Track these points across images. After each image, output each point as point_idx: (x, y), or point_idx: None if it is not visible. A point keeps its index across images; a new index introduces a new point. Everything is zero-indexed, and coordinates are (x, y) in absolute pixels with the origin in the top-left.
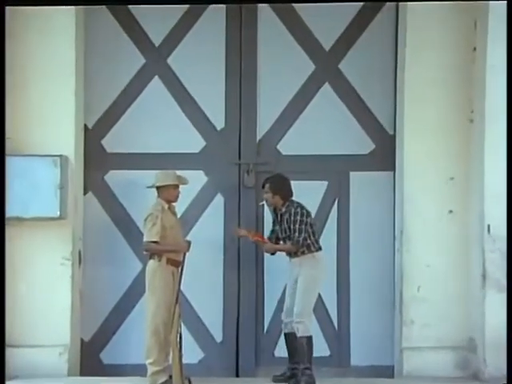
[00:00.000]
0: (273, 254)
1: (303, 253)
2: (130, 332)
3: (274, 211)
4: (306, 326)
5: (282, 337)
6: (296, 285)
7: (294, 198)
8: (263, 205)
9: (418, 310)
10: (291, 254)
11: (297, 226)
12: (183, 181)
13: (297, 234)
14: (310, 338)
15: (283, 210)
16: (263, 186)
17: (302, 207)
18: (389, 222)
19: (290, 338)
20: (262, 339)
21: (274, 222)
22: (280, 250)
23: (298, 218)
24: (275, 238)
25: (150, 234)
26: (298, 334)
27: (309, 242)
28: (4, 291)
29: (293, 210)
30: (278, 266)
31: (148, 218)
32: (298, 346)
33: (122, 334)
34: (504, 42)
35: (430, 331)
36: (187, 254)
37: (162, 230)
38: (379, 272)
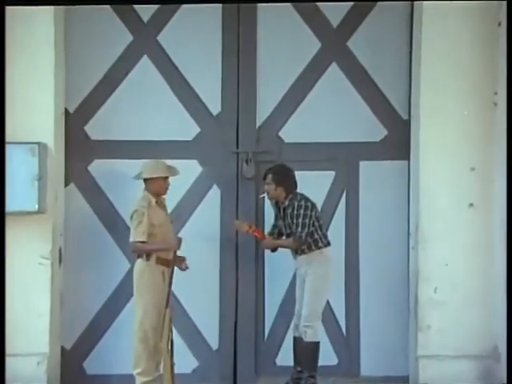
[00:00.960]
0: (273, 251)
1: (310, 249)
2: (117, 339)
3: (276, 205)
4: (315, 330)
5: (285, 344)
6: (304, 285)
7: (297, 191)
8: (264, 197)
9: (435, 313)
10: (297, 252)
11: (300, 220)
12: (173, 172)
13: (299, 228)
14: (317, 344)
15: (286, 203)
16: (265, 177)
17: (307, 199)
18: (403, 217)
19: (297, 342)
20: (263, 346)
21: (276, 217)
22: (281, 246)
23: (302, 211)
24: (277, 233)
25: (135, 234)
26: (306, 339)
27: (316, 237)
28: (4, 293)
29: (296, 204)
30: (280, 265)
31: (133, 215)
32: (304, 352)
33: (108, 341)
34: None
35: (449, 337)
36: (178, 251)
37: (150, 228)
38: (392, 272)
